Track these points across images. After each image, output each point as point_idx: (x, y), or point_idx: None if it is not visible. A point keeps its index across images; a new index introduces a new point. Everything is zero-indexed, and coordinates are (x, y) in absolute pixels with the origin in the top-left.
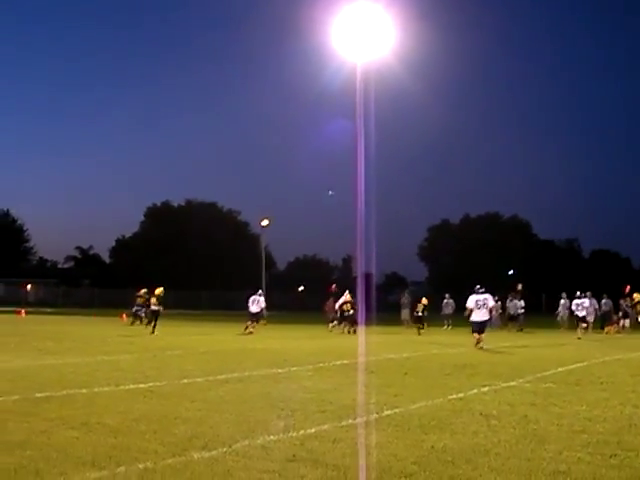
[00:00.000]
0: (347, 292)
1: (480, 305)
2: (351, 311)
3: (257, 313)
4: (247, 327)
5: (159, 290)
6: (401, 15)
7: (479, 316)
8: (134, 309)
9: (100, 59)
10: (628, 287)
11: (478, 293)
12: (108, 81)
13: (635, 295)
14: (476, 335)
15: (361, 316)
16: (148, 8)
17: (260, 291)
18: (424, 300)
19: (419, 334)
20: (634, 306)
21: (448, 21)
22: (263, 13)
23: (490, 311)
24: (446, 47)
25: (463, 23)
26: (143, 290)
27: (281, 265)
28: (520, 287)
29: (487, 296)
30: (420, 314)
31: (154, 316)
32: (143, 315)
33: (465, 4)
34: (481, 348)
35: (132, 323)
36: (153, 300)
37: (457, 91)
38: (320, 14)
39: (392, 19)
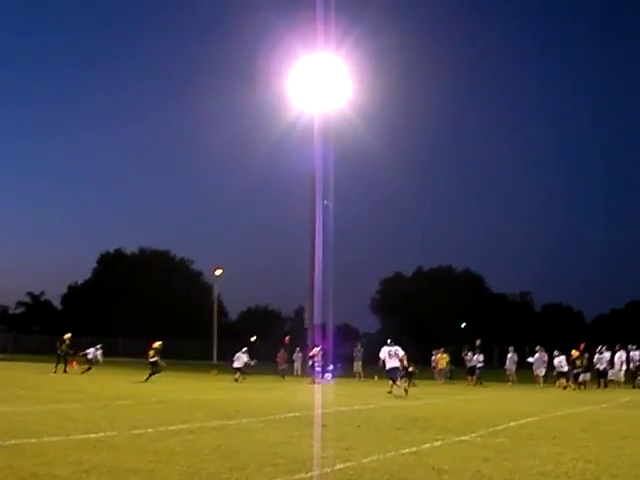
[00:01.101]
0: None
1: (392, 355)
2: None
3: (240, 367)
4: (237, 379)
5: (157, 344)
6: (358, 66)
7: (391, 364)
8: (59, 352)
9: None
10: (582, 345)
11: (389, 345)
12: (61, 124)
13: (573, 352)
14: (391, 382)
15: (321, 368)
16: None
17: (244, 348)
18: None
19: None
20: (573, 362)
21: (407, 71)
22: (218, 61)
23: (401, 360)
24: (404, 98)
25: (423, 73)
26: (67, 335)
27: (233, 315)
28: (479, 342)
29: (397, 347)
30: (411, 369)
31: (153, 368)
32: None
33: (425, 53)
34: (390, 392)
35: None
36: (151, 353)
37: (414, 142)
38: (276, 64)
39: (349, 70)
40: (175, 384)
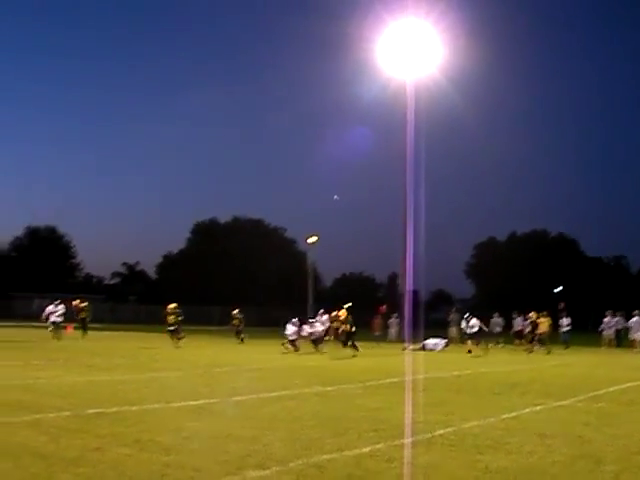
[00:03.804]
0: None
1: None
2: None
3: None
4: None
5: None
6: (449, 31)
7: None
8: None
9: (146, 80)
10: None
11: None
12: (153, 99)
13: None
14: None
15: (408, 333)
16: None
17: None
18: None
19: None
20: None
21: (498, 36)
22: (308, 30)
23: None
24: (495, 63)
25: (515, 38)
26: (172, 305)
27: (327, 282)
28: (563, 306)
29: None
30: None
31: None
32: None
33: (518, 18)
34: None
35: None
36: (171, 318)
37: (506, 108)
38: (366, 31)
39: (440, 35)
40: (271, 351)
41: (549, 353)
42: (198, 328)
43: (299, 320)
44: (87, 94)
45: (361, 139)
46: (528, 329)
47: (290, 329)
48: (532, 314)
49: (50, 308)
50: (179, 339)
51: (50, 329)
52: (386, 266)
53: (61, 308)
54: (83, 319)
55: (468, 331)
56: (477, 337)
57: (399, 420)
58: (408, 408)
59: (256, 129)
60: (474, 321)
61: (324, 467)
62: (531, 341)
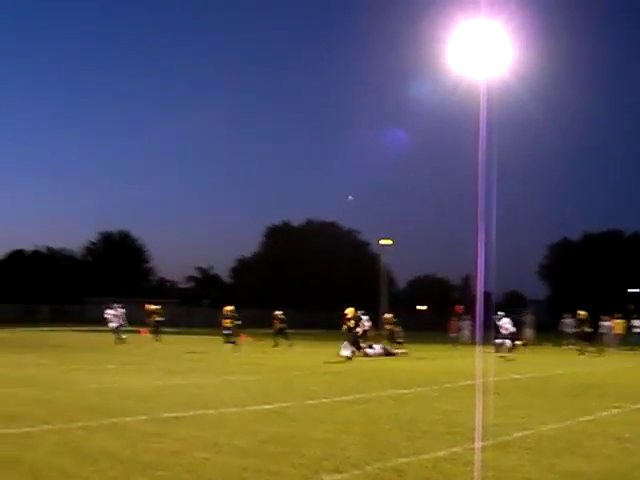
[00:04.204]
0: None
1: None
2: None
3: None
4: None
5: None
6: (520, 31)
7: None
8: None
9: (211, 80)
10: None
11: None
12: (222, 105)
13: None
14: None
15: (479, 336)
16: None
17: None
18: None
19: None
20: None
21: (572, 37)
22: (378, 27)
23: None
24: (566, 64)
25: (586, 39)
26: (229, 307)
27: (401, 284)
28: (632, 307)
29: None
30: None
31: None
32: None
33: (590, 18)
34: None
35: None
36: (227, 322)
37: (578, 108)
38: (437, 30)
39: (510, 35)
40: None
41: (583, 354)
42: (270, 332)
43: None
44: (160, 94)
45: (432, 139)
46: (577, 329)
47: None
48: (581, 313)
49: (110, 312)
50: (233, 343)
51: (117, 334)
52: (460, 268)
53: (121, 312)
54: (155, 323)
55: (502, 332)
56: (513, 337)
57: (475, 423)
58: (484, 411)
59: (328, 130)
60: (504, 320)
61: (401, 471)
62: (582, 341)
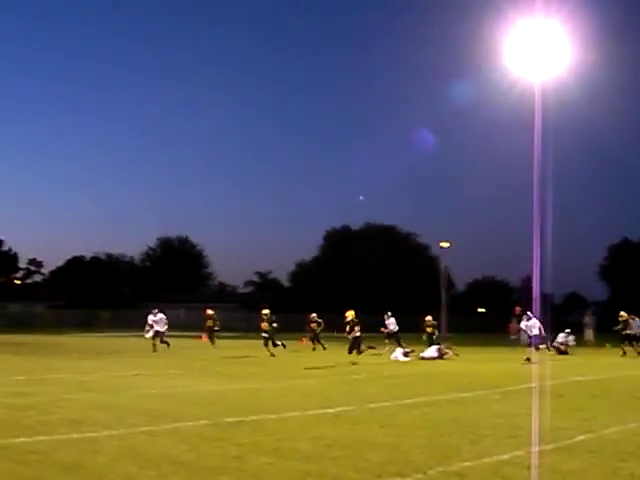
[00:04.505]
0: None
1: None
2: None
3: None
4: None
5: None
6: (578, 31)
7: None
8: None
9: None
10: None
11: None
12: (280, 111)
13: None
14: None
15: (540, 338)
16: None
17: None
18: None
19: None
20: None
21: (633, 37)
22: (436, 27)
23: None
24: (624, 64)
25: None
26: (266, 311)
27: (460, 287)
28: None
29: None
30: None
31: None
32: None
33: None
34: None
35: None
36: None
37: (637, 108)
38: (492, 29)
39: (568, 35)
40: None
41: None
42: (329, 335)
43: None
44: (217, 102)
45: (489, 140)
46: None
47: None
48: (622, 313)
49: (151, 318)
50: (274, 345)
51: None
52: (520, 269)
53: (160, 318)
54: (210, 328)
55: (529, 333)
56: (536, 340)
57: (538, 426)
58: (546, 414)
59: (386, 132)
60: (533, 321)
61: (464, 475)
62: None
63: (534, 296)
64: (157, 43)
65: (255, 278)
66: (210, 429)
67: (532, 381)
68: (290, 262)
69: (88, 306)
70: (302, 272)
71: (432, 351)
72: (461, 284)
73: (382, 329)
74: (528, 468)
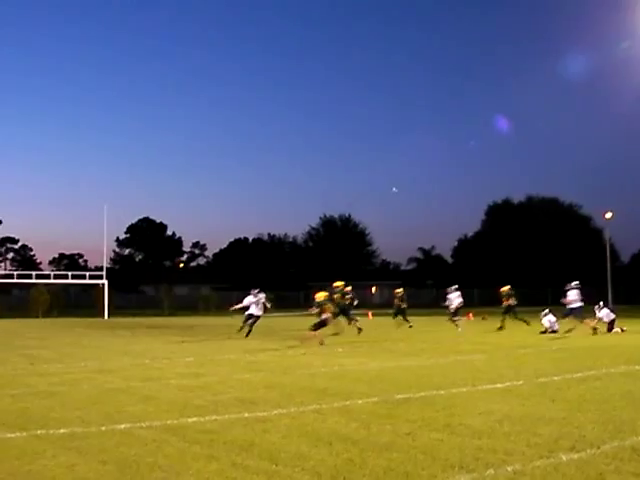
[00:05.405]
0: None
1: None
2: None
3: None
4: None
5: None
6: None
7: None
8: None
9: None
10: None
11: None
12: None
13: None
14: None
15: None
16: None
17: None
18: None
19: None
20: None
21: None
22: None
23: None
24: None
25: None
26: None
27: (625, 258)
28: None
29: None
30: None
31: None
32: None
33: None
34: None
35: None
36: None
37: None
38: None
39: None
40: (576, 332)
41: None
42: (494, 310)
43: None
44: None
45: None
46: None
47: None
48: None
49: (250, 299)
50: (351, 321)
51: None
52: None
53: (259, 297)
54: (398, 306)
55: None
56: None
57: None
58: None
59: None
60: (605, 311)
61: (639, 450)
62: None
63: None
64: None
65: (418, 255)
66: (380, 406)
67: None
68: (453, 238)
69: (248, 288)
70: (465, 247)
71: (546, 323)
72: (626, 256)
73: (562, 300)
74: None
